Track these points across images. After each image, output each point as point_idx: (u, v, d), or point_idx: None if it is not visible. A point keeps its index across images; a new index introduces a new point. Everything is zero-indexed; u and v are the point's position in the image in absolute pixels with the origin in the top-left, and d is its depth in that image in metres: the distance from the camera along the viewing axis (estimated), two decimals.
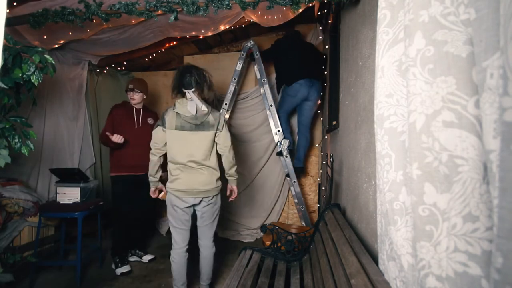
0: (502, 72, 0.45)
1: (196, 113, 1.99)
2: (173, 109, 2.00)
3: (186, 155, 1.99)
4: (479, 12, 0.52)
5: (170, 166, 2.04)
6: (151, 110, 3.04)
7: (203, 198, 2.04)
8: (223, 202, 2.27)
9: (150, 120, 2.89)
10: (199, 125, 2.01)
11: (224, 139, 2.10)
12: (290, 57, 3.13)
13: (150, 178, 2.10)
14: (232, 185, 2.23)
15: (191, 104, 1.99)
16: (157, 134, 2.03)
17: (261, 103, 3.56)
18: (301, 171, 3.36)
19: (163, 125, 2.00)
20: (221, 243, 3.33)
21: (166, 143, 2.03)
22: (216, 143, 2.10)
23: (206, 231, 2.16)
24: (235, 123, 3.73)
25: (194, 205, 2.07)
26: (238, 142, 3.75)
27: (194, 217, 2.14)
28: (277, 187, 3.60)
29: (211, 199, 2.08)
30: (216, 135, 2.08)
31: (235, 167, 2.19)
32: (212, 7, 1.85)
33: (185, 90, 1.99)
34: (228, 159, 2.14)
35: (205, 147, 2.03)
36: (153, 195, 2.17)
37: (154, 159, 2.05)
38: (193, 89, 1.98)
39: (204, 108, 2.01)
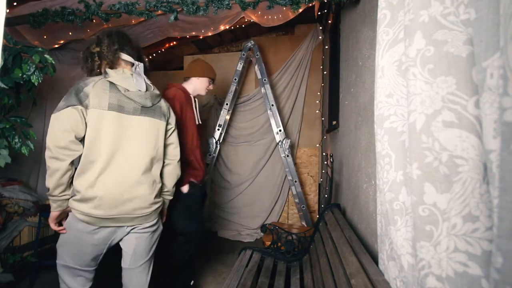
0: (503, 72, 0.45)
1: (146, 90, 1.37)
2: (105, 78, 1.29)
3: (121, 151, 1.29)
4: (479, 12, 0.52)
5: (83, 168, 1.24)
6: None
7: (136, 225, 1.35)
8: (221, 201, 2.15)
9: None
10: (149, 107, 1.38)
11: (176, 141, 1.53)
12: None
13: (54, 198, 1.24)
14: (165, 208, 1.55)
15: (139, 78, 1.36)
16: (69, 119, 1.19)
17: (262, 105, 3.57)
18: None
19: (81, 103, 1.22)
20: (220, 243, 3.33)
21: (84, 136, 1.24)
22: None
23: (140, 276, 1.45)
24: (236, 125, 3.74)
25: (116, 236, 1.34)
26: (238, 143, 3.75)
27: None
28: (277, 187, 3.60)
29: (153, 224, 1.41)
30: (168, 130, 1.48)
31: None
32: (212, 7, 1.85)
33: (128, 59, 1.38)
34: (176, 171, 1.54)
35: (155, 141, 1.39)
36: (55, 228, 1.32)
37: (63, 166, 1.19)
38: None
39: (155, 89, 1.44)
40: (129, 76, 1.34)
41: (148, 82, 1.42)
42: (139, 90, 1.33)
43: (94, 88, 1.25)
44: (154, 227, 1.42)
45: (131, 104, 1.32)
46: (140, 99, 1.33)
